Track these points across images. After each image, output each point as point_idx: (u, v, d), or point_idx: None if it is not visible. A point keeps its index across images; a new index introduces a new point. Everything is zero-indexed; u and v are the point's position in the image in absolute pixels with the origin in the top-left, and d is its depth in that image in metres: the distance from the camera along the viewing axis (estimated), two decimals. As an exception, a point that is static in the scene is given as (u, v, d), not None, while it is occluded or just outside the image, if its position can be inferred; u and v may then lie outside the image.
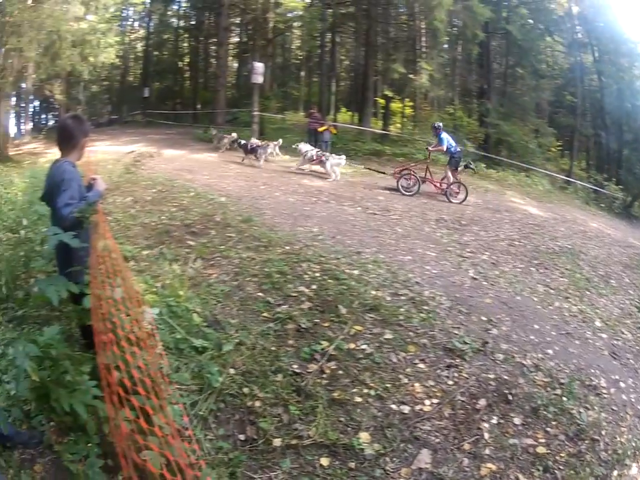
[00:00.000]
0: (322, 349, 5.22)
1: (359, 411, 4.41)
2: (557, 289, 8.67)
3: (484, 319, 6.50)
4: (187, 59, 43.13)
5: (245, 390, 4.47)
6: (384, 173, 18.73)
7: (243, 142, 19.14)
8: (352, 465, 3.87)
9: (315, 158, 17.29)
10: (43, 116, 41.25)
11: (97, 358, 3.30)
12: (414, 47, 29.35)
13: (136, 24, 42.42)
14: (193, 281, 6.42)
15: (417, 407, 4.56)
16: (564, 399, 5.03)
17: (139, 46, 42.93)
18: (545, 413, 4.75)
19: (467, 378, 5.06)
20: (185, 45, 42.82)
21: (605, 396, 5.39)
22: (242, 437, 4.04)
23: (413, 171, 16.04)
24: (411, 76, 26.06)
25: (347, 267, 7.50)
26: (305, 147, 17.71)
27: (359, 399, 4.55)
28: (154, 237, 8.07)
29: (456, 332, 5.91)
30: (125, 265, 4.34)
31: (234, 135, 20.55)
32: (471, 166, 17.31)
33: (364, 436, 4.13)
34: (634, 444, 4.76)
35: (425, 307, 6.43)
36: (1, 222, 7.22)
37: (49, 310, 5.09)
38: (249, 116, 24.25)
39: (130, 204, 9.91)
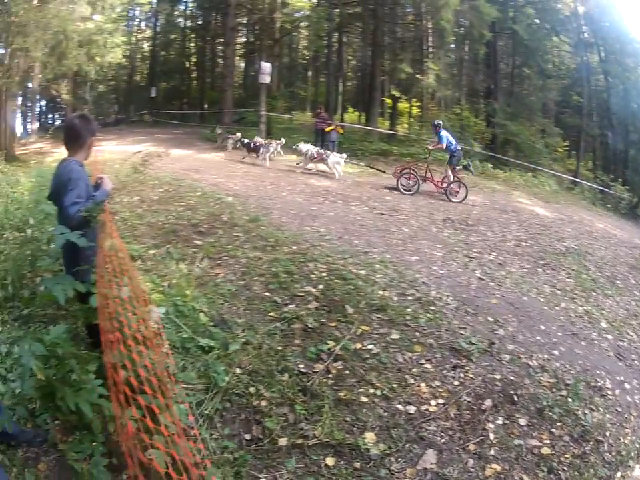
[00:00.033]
0: (328, 349, 5.21)
1: (365, 411, 4.40)
2: (563, 289, 8.66)
3: (490, 319, 6.49)
4: (193, 59, 43.22)
5: (251, 389, 4.47)
6: (385, 172, 18.80)
7: (245, 141, 19.34)
8: (357, 464, 3.85)
9: (315, 156, 17.39)
10: (50, 115, 41.41)
11: (103, 357, 3.31)
12: (421, 46, 29.34)
13: (143, 24, 42.62)
14: (199, 280, 6.43)
15: (423, 407, 4.54)
16: (569, 400, 5.01)
17: (146, 46, 43.06)
18: (550, 413, 4.74)
19: (473, 378, 5.05)
20: (192, 44, 42.88)
21: (610, 397, 5.38)
22: (247, 436, 4.03)
23: (414, 170, 16.11)
24: (418, 76, 26.02)
25: (354, 266, 7.51)
26: (304, 146, 17.79)
27: (364, 399, 4.54)
28: (161, 236, 8.09)
29: (462, 332, 5.91)
30: (132, 264, 4.33)
31: (238, 134, 20.59)
32: (470, 167, 17.31)
33: (369, 436, 4.12)
34: (637, 445, 4.74)
35: (432, 307, 6.43)
36: (8, 221, 7.22)
37: (55, 309, 5.12)
38: (256, 116, 24.34)
39: (137, 203, 9.95)
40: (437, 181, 16.02)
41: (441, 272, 8.11)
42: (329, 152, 17.84)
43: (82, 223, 3.56)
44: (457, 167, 16.20)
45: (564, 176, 24.49)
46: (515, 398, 4.85)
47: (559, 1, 26.92)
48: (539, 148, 25.60)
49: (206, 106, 38.60)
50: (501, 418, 4.58)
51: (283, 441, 3.98)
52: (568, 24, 27.87)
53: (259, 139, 19.37)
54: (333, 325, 5.71)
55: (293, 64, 45.29)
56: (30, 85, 29.32)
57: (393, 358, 5.21)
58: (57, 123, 36.34)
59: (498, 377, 5.14)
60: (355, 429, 4.20)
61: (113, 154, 15.24)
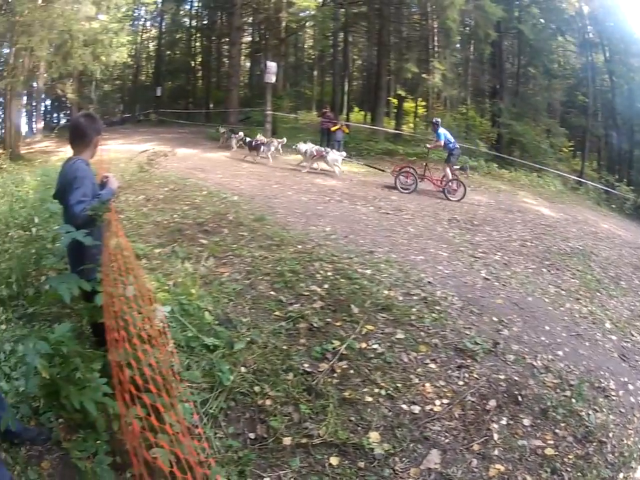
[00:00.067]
0: (333, 348, 5.20)
1: (370, 411, 4.39)
2: (568, 290, 8.67)
3: (495, 319, 6.49)
4: (199, 59, 43.27)
5: (256, 388, 4.47)
6: (383, 171, 18.86)
7: (247, 139, 19.54)
8: (361, 464, 3.84)
9: (315, 154, 17.48)
10: (55, 115, 41.55)
11: (108, 355, 3.28)
12: (426, 46, 29.33)
13: (148, 23, 42.73)
14: (204, 279, 6.44)
15: (427, 407, 4.54)
16: (573, 400, 5.01)
17: (151, 45, 43.21)
18: (554, 414, 4.73)
19: (478, 378, 5.05)
20: (198, 44, 42.97)
21: (614, 398, 5.38)
22: (252, 435, 4.03)
23: (412, 169, 16.18)
24: (423, 75, 25.95)
25: (360, 266, 7.51)
26: (303, 146, 17.88)
27: (369, 399, 4.53)
28: (166, 235, 8.10)
29: (467, 332, 5.90)
30: (137, 263, 4.37)
31: (241, 133, 20.79)
32: (466, 169, 17.36)
33: (374, 436, 4.11)
34: (640, 446, 4.76)
35: (437, 307, 6.42)
36: (13, 219, 7.27)
37: (59, 307, 5.13)
38: (262, 115, 24.39)
39: (142, 202, 9.98)
40: (436, 180, 16.06)
41: (447, 272, 8.11)
42: (328, 149, 17.97)
43: (87, 221, 3.56)
44: (455, 166, 16.24)
45: (569, 176, 24.43)
46: (519, 398, 4.85)
47: (564, 1, 26.85)
48: (544, 148, 25.60)
49: (211, 105, 38.73)
50: (505, 418, 4.57)
51: (287, 440, 3.97)
52: (573, 24, 27.82)
53: (261, 138, 19.50)
54: (338, 324, 5.70)
55: (299, 63, 45.34)
56: (35, 84, 29.50)
57: (397, 358, 5.20)
58: (62, 122, 36.34)
59: (502, 377, 5.14)
60: (359, 428, 4.19)
61: (118, 153, 15.24)
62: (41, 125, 33.86)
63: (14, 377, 4.05)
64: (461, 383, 4.97)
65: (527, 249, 10.70)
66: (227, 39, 36.32)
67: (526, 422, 4.57)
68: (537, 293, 8.06)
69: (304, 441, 3.99)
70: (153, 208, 9.62)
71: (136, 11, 40.14)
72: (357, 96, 41.27)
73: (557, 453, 4.28)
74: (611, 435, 4.71)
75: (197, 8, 41.47)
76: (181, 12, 41.58)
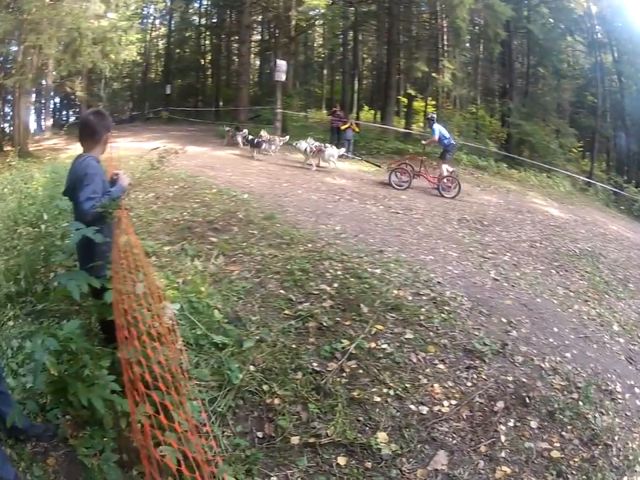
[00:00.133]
0: (342, 348, 5.21)
1: (378, 411, 4.39)
2: (577, 291, 8.67)
3: (504, 320, 6.49)
4: (208, 57, 43.29)
5: (265, 387, 4.48)
6: (380, 167, 18.90)
7: (250, 137, 19.65)
8: (368, 464, 3.85)
9: (314, 150, 17.61)
10: (64, 112, 41.72)
11: (118, 353, 3.32)
12: (436, 45, 29.23)
13: (157, 22, 42.79)
14: (214, 277, 6.46)
15: (436, 408, 4.54)
16: (580, 403, 5.02)
17: (161, 43, 43.31)
18: (561, 416, 4.74)
19: (486, 380, 5.06)
20: (207, 42, 42.97)
21: (620, 401, 5.38)
22: (260, 434, 4.03)
23: (409, 165, 16.21)
24: (433, 74, 25.97)
25: (369, 265, 7.52)
26: (303, 144, 17.98)
27: (377, 399, 4.53)
28: (176, 232, 8.15)
29: (476, 333, 5.91)
30: (147, 261, 4.38)
31: (245, 131, 20.88)
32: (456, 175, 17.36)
33: (382, 436, 4.11)
34: (645, 450, 4.76)
35: (446, 308, 6.42)
36: (21, 216, 7.28)
37: (68, 304, 5.17)
38: (272, 113, 24.46)
39: (152, 200, 10.05)
40: (431, 177, 15.98)
41: (456, 272, 8.11)
42: (327, 145, 18.11)
43: (97, 218, 3.59)
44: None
45: (578, 177, 24.30)
46: (527, 400, 4.85)
47: (572, 0, 26.74)
48: (553, 148, 25.46)
49: (221, 103, 38.69)
50: (512, 420, 4.58)
51: (295, 440, 3.99)
52: (582, 23, 27.69)
53: (265, 135, 19.62)
54: (348, 323, 5.71)
55: (309, 62, 45.15)
56: (44, 82, 29.60)
57: (406, 358, 5.20)
58: (72, 119, 36.46)
59: (510, 378, 5.15)
60: (367, 428, 4.20)
61: (127, 151, 15.27)
62: (50, 122, 33.97)
63: (21, 374, 4.09)
64: (469, 383, 4.98)
65: (536, 250, 10.70)
66: (237, 37, 36.38)
67: (533, 424, 4.58)
68: (545, 294, 8.06)
69: (312, 440, 3.99)
70: (163, 205, 9.68)
71: (145, 9, 40.31)
72: (367, 94, 41.17)
73: (563, 455, 4.29)
74: (616, 438, 4.71)
75: (206, 6, 41.59)
76: (190, 10, 41.60)
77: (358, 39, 34.83)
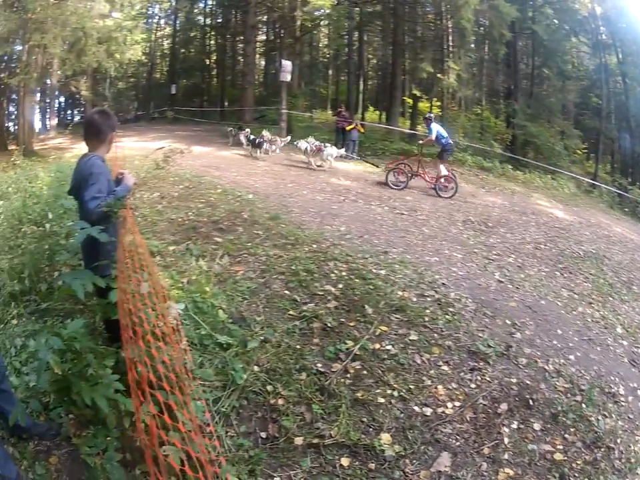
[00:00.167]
0: (347, 349, 5.21)
1: (382, 412, 4.39)
2: (581, 293, 8.66)
3: (508, 322, 6.49)
4: (214, 57, 43.37)
5: (269, 388, 4.48)
6: (377, 166, 19.02)
7: (252, 137, 19.75)
8: (372, 465, 3.85)
9: (314, 149, 17.76)
10: (69, 112, 41.77)
11: (123, 352, 3.30)
12: (441, 46, 29.16)
13: (162, 21, 42.91)
14: (219, 277, 6.48)
15: (439, 410, 4.54)
16: (583, 405, 5.00)
17: (166, 43, 43.41)
18: (564, 419, 4.73)
19: (490, 382, 5.06)
20: (212, 42, 43.04)
21: (623, 404, 5.37)
22: (263, 434, 4.04)
23: (407, 165, 16.26)
24: (438, 75, 25.97)
25: (374, 266, 7.51)
26: (303, 144, 18.15)
27: (381, 400, 4.53)
28: (181, 232, 8.17)
29: (480, 335, 5.90)
30: (152, 260, 4.40)
31: (247, 130, 20.93)
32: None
33: (385, 437, 4.11)
34: (647, 453, 4.75)
35: (451, 309, 6.42)
36: (26, 215, 7.28)
37: (72, 303, 5.17)
38: (277, 114, 24.47)
39: (157, 200, 10.07)
40: (429, 177, 15.96)
41: (460, 273, 8.11)
42: (327, 144, 18.23)
43: (102, 217, 3.57)
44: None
45: (583, 178, 24.23)
46: (531, 402, 4.85)
47: (577, 1, 26.69)
48: (558, 150, 25.41)
49: (226, 103, 38.77)
50: (515, 422, 4.57)
51: (298, 440, 3.99)
52: (586, 25, 27.62)
53: (266, 135, 19.75)
54: (352, 324, 5.71)
55: (314, 62, 45.18)
56: (49, 81, 29.66)
57: (410, 359, 5.20)
58: (76, 119, 36.58)
59: (514, 380, 5.14)
60: (371, 429, 4.20)
61: (132, 150, 15.34)
62: (55, 121, 34.09)
63: (24, 372, 4.10)
64: (473, 385, 4.97)
65: (541, 252, 10.69)
66: (242, 38, 36.32)
67: (536, 426, 4.57)
68: (550, 296, 8.06)
69: (315, 441, 4.00)
70: (168, 205, 9.70)
71: (150, 8, 40.41)
72: (372, 95, 41.14)
73: (565, 458, 4.28)
74: (619, 440, 4.70)
75: (211, 6, 41.68)
76: (195, 10, 41.75)
77: (363, 39, 34.89)
